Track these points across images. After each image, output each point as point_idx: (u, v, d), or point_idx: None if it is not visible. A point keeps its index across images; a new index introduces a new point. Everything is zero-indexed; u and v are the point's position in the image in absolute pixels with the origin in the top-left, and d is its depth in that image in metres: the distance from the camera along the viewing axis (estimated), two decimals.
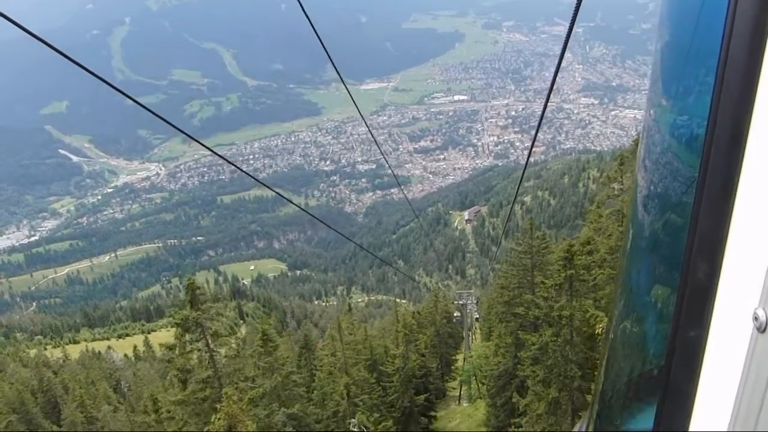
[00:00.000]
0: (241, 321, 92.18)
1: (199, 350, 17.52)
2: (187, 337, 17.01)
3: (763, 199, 0.97)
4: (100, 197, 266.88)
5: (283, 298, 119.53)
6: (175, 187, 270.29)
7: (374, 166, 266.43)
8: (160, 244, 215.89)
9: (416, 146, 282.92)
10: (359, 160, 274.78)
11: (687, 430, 1.14)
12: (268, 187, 7.78)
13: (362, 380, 29.30)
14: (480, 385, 37.85)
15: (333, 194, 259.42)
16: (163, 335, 75.67)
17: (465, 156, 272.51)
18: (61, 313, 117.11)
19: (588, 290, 19.16)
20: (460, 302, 44.90)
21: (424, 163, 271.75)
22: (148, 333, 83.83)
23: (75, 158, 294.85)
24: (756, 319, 0.96)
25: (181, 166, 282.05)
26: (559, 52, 4.07)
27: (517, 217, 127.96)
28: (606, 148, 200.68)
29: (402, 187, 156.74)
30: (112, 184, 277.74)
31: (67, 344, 79.30)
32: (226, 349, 18.28)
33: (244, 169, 7.20)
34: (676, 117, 1.39)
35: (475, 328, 54.77)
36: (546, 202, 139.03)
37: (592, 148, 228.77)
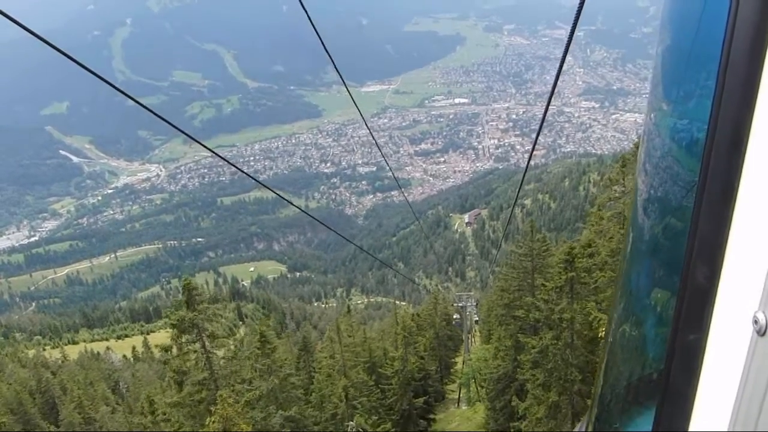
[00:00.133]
0: (241, 322, 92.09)
1: (195, 352, 17.29)
2: (184, 338, 16.80)
3: (763, 204, 0.97)
4: (100, 198, 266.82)
5: (283, 299, 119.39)
6: (175, 188, 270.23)
7: (375, 169, 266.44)
8: (160, 245, 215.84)
9: (417, 149, 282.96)
10: (360, 162, 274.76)
11: None
12: (270, 189, 7.75)
13: (361, 382, 29.17)
14: (479, 388, 37.74)
15: (333, 196, 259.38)
16: (162, 336, 75.48)
17: (465, 159, 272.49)
18: (61, 314, 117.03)
19: (589, 293, 19.05)
20: (460, 305, 44.84)
21: (424, 165, 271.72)
22: (147, 334, 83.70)
23: (75, 159, 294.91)
24: (756, 322, 0.96)
25: (182, 168, 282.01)
26: (559, 55, 4.02)
27: (518, 220, 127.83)
28: (606, 152, 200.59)
29: (402, 189, 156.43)
30: (113, 185, 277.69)
31: (66, 345, 79.21)
32: (224, 351, 18.11)
33: (245, 171, 7.15)
34: (677, 121, 1.40)
35: (475, 331, 54.70)
36: (546, 205, 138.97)
37: (593, 151, 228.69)
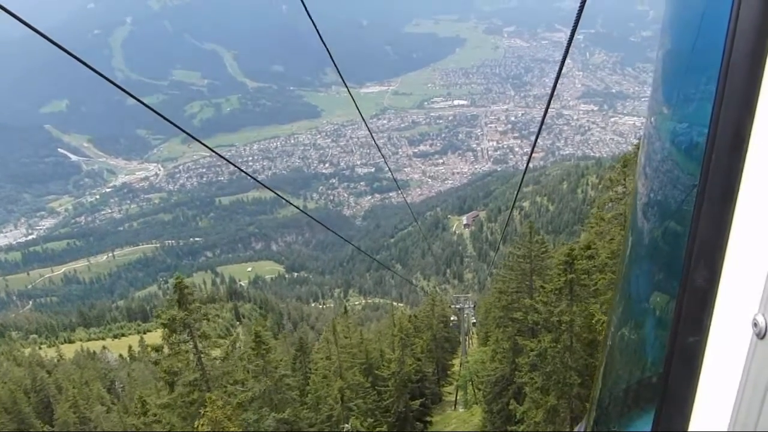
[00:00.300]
0: (238, 322, 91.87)
1: (187, 352, 16.97)
2: (175, 338, 16.53)
3: (762, 207, 0.97)
4: (98, 197, 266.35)
5: (280, 300, 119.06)
6: (173, 187, 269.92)
7: (373, 170, 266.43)
8: (158, 245, 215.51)
9: (415, 150, 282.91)
10: (358, 163, 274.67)
11: None
12: (271, 189, 7.67)
13: (357, 384, 29.02)
14: (476, 390, 37.58)
15: (331, 197, 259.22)
16: (159, 336, 75.24)
17: (464, 161, 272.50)
18: (57, 312, 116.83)
19: (588, 295, 18.88)
20: (457, 306, 44.71)
21: (423, 167, 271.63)
22: (144, 333, 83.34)
23: (74, 157, 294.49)
24: (755, 325, 0.97)
25: (180, 167, 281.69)
26: (559, 58, 3.95)
27: (516, 223, 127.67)
28: (605, 155, 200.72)
29: (401, 190, 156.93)
30: (111, 184, 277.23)
31: (62, 344, 78.91)
32: (220, 351, 17.85)
33: (246, 171, 7.04)
34: (677, 124, 1.40)
35: (472, 333, 54.57)
36: (544, 207, 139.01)
37: (591, 154, 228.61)
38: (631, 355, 1.78)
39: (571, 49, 4.02)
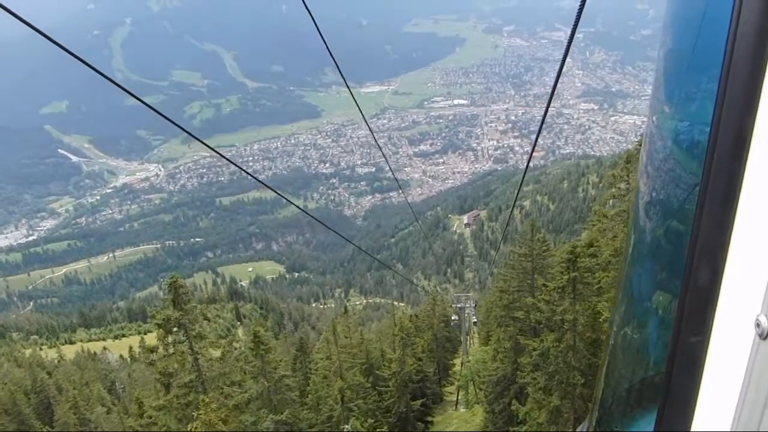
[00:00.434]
0: (238, 323, 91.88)
1: (182, 353, 16.74)
2: (170, 338, 16.33)
3: (765, 206, 0.97)
4: (98, 197, 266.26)
5: (281, 300, 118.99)
6: (174, 188, 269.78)
7: (373, 169, 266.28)
8: (159, 245, 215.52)
9: (416, 150, 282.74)
10: (359, 163, 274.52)
11: None
12: (272, 189, 7.58)
13: (357, 384, 28.89)
14: (478, 390, 37.45)
15: (332, 197, 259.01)
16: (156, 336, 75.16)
17: (464, 160, 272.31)
18: (58, 313, 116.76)
19: (592, 293, 18.62)
20: (458, 306, 44.61)
21: (423, 166, 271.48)
22: (145, 334, 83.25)
23: (74, 158, 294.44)
24: (758, 325, 0.96)
25: (181, 168, 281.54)
26: (558, 57, 3.96)
27: (516, 222, 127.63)
28: (605, 154, 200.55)
29: (402, 190, 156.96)
30: (111, 185, 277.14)
31: (62, 344, 78.96)
32: (217, 351, 17.62)
33: (248, 171, 6.97)
34: (679, 123, 1.40)
35: (473, 333, 54.46)
36: (545, 206, 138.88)
37: (592, 153, 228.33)
38: (633, 354, 1.78)
39: (571, 48, 3.96)
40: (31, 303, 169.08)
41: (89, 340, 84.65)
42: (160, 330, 16.11)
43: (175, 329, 16.01)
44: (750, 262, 1.00)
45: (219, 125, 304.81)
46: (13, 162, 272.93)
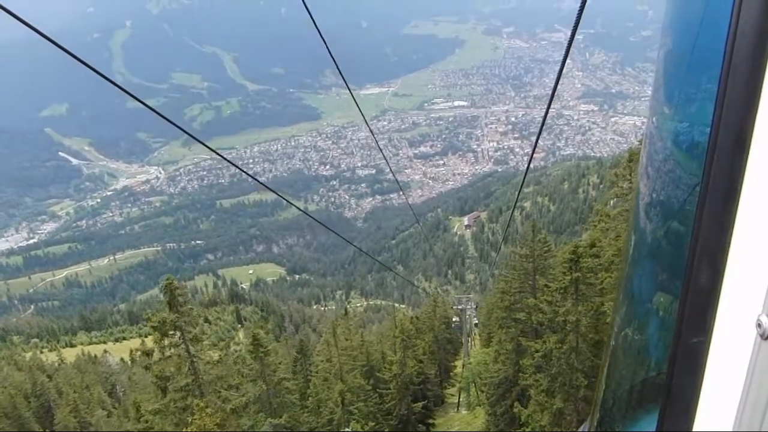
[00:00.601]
0: (239, 325, 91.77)
1: (178, 356, 16.54)
2: (166, 341, 16.14)
3: (766, 207, 0.97)
4: (99, 200, 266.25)
5: (282, 302, 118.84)
6: (174, 190, 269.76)
7: (374, 171, 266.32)
8: (159, 248, 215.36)
9: (416, 151, 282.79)
10: (359, 165, 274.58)
11: None
12: (274, 191, 7.58)
13: (358, 387, 28.73)
14: (479, 392, 37.32)
15: (332, 199, 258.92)
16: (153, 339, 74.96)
17: (465, 161, 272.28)
18: (59, 316, 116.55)
19: (594, 294, 18.42)
20: (459, 307, 44.49)
21: (423, 168, 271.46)
22: (145, 336, 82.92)
23: (74, 161, 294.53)
24: (759, 326, 0.96)
25: (181, 170, 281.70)
26: (558, 58, 3.96)
27: (517, 223, 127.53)
28: (606, 155, 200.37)
29: (403, 191, 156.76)
30: (112, 188, 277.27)
31: (63, 348, 78.82)
32: (215, 354, 17.40)
33: (249, 173, 6.93)
34: (679, 124, 1.40)
35: (475, 334, 54.33)
36: (546, 207, 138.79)
37: (592, 154, 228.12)
38: (634, 355, 1.79)
39: (570, 49, 3.95)
40: (32, 306, 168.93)
41: (90, 343, 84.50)
42: (156, 333, 15.92)
43: (171, 332, 15.83)
44: (751, 262, 1.00)
45: (219, 127, 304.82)
46: (14, 165, 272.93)
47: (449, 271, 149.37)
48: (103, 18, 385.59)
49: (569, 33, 3.66)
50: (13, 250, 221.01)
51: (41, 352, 73.34)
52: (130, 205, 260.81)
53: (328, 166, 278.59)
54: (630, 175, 19.14)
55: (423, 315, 52.78)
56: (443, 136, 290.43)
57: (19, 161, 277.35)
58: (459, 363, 50.00)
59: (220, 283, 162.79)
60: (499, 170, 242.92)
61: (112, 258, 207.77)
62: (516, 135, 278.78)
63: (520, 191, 24.09)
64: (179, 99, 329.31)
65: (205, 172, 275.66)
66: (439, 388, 44.72)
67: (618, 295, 2.10)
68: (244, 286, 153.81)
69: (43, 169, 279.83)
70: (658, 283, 1.52)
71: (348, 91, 8.17)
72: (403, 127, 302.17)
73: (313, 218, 10.05)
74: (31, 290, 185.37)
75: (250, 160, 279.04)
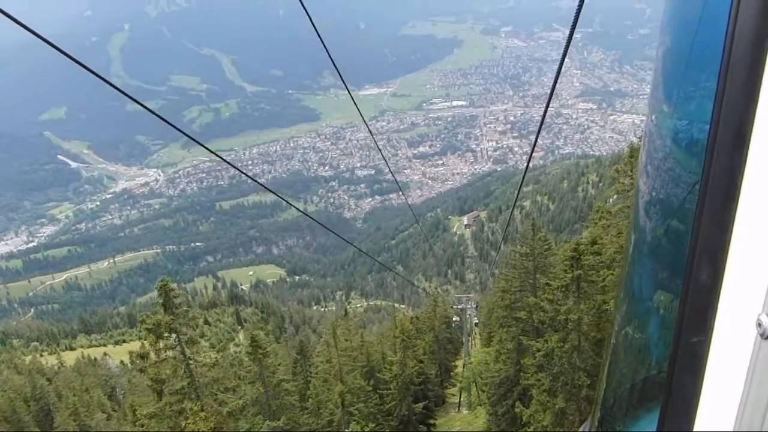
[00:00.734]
0: (239, 327, 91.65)
1: (174, 358, 16.26)
2: (161, 344, 15.93)
3: (766, 205, 0.97)
4: (98, 203, 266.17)
5: (282, 303, 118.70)
6: (173, 192, 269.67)
7: (373, 172, 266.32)
8: (159, 250, 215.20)
9: (415, 152, 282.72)
10: (358, 165, 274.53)
11: None
12: (275, 193, 7.53)
13: (358, 388, 28.56)
14: (480, 392, 37.18)
15: (332, 200, 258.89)
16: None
17: (464, 161, 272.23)
18: (59, 320, 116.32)
19: (596, 292, 18.30)
20: (459, 307, 44.37)
21: (422, 168, 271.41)
22: (145, 339, 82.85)
23: (73, 164, 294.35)
24: (759, 325, 0.96)
25: (180, 172, 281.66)
26: (556, 57, 3.97)
27: (517, 222, 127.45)
28: (605, 153, 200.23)
29: (402, 191, 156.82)
30: (111, 190, 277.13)
31: (63, 351, 78.66)
32: (212, 356, 17.16)
33: (249, 175, 6.89)
34: (678, 122, 1.40)
35: (475, 334, 54.20)
36: (545, 206, 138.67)
37: (591, 152, 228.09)
38: (635, 354, 1.78)
39: (569, 47, 3.94)
40: (32, 309, 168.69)
41: (90, 346, 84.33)
42: (151, 335, 15.74)
43: (166, 334, 15.64)
44: (751, 260, 1.00)
45: (218, 129, 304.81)
46: (13, 168, 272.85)
47: (449, 271, 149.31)
48: (102, 21, 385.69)
49: (567, 32, 3.67)
50: (12, 254, 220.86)
51: (41, 356, 73.18)
52: (129, 207, 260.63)
53: (327, 167, 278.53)
54: (631, 171, 18.98)
55: (423, 315, 52.64)
56: (442, 136, 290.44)
57: (18, 165, 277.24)
58: (460, 363, 49.87)
59: (219, 284, 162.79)
60: (498, 169, 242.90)
61: (111, 261, 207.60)
62: (515, 134, 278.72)
63: (519, 190, 23.98)
64: (178, 101, 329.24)
65: (204, 174, 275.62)
66: (439, 388, 44.59)
67: (618, 294, 2.11)
68: (244, 288, 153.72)
69: (42, 172, 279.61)
70: (658, 282, 1.53)
71: (346, 92, 8.14)
72: (401, 127, 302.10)
73: (312, 219, 9.98)
74: (30, 293, 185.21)
75: (249, 162, 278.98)
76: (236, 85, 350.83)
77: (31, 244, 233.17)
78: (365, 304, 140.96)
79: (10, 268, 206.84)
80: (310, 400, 27.31)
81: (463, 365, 43.14)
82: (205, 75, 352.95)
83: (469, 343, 46.42)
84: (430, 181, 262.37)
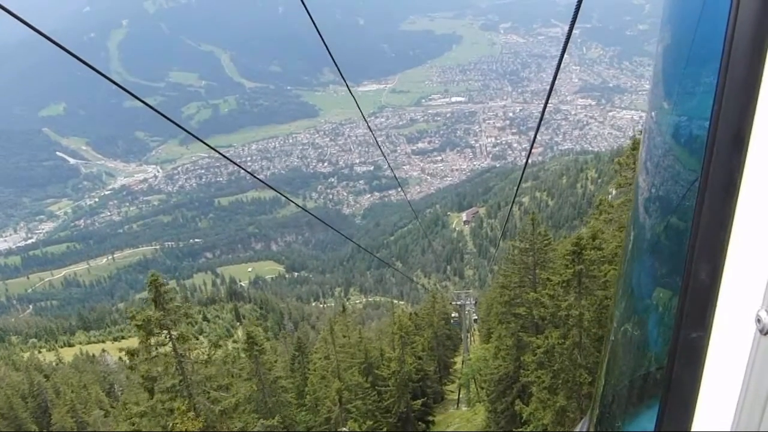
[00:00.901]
0: (238, 323, 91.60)
1: (165, 355, 15.97)
2: (152, 340, 15.67)
3: (765, 201, 0.98)
4: (97, 199, 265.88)
5: (281, 300, 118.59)
6: (172, 189, 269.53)
7: (372, 168, 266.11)
8: (158, 247, 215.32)
9: (414, 148, 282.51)
10: (357, 161, 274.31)
11: (689, 431, 1.14)
12: (274, 189, 7.35)
13: (356, 385, 28.37)
14: (479, 389, 37.05)
15: (331, 196, 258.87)
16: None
17: (463, 157, 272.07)
18: (57, 316, 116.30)
19: (598, 287, 18.03)
20: (458, 303, 44.23)
21: (421, 164, 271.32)
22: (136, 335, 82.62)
23: (72, 160, 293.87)
24: (759, 321, 0.96)
25: (179, 168, 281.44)
26: (555, 53, 4.00)
27: (516, 218, 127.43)
28: (603, 149, 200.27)
29: (402, 187, 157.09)
30: (110, 187, 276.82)
31: (61, 347, 78.50)
32: (207, 353, 16.90)
33: (249, 171, 6.77)
34: (678, 119, 1.39)
35: (474, 330, 54.09)
36: (544, 202, 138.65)
37: (590, 149, 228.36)
38: (633, 350, 1.79)
39: (568, 43, 3.96)
40: (31, 306, 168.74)
41: (88, 343, 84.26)
42: (141, 331, 15.48)
43: (157, 331, 15.39)
44: (750, 257, 1.00)
45: (217, 126, 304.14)
46: (11, 165, 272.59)
47: (448, 267, 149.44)
48: (100, 17, 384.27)
49: (566, 28, 3.64)
50: (11, 250, 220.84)
51: (39, 352, 72.95)
52: (128, 204, 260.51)
53: (326, 163, 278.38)
54: (634, 163, 18.75)
55: (422, 311, 52.56)
56: (441, 132, 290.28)
57: (16, 161, 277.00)
58: (458, 359, 49.76)
59: (218, 281, 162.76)
60: (497, 166, 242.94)
61: (110, 257, 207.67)
62: (514, 130, 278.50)
63: (518, 186, 23.75)
64: (176, 97, 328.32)
65: (203, 171, 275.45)
66: (438, 384, 44.48)
67: (617, 291, 2.11)
68: (243, 284, 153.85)
69: (40, 168, 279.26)
70: (657, 279, 1.53)
71: (345, 88, 8.10)
72: (400, 123, 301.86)
73: (311, 215, 9.82)
74: (29, 290, 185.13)
75: (248, 158, 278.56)
76: (235, 82, 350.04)
77: (29, 241, 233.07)
78: (364, 300, 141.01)
79: (8, 265, 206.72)
80: (307, 397, 27.16)
81: (462, 362, 43.00)
82: (204, 71, 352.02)
83: (468, 340, 46.31)
84: (429, 177, 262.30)
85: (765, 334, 0.95)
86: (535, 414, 19.31)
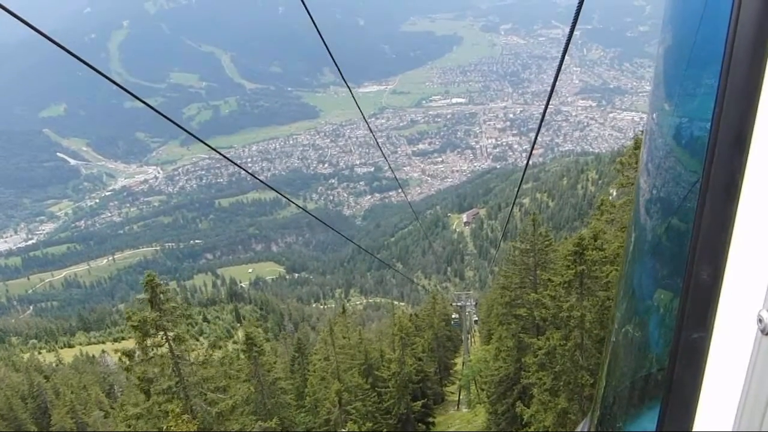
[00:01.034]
0: (238, 324, 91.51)
1: (161, 356, 15.81)
2: (148, 341, 15.54)
3: (766, 202, 0.98)
4: (97, 200, 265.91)
5: (281, 301, 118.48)
6: (173, 190, 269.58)
7: (372, 169, 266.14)
8: (158, 248, 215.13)
9: (414, 149, 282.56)
10: (357, 163, 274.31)
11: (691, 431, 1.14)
12: (275, 190, 7.33)
13: (355, 386, 28.26)
14: (480, 390, 36.94)
15: (331, 197, 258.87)
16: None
17: (463, 158, 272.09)
18: (58, 317, 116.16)
19: (600, 288, 17.78)
20: (459, 304, 44.13)
21: (422, 165, 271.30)
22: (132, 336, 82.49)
23: (73, 161, 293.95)
24: (760, 321, 0.96)
25: (179, 170, 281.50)
26: (556, 54, 4.00)
27: (516, 219, 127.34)
28: (604, 150, 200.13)
29: (402, 189, 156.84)
30: (110, 188, 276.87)
31: (61, 348, 78.40)
32: (204, 355, 16.77)
33: (250, 172, 6.76)
34: (679, 120, 1.40)
35: (475, 331, 53.98)
36: (545, 204, 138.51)
37: (591, 150, 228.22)
38: (635, 351, 1.78)
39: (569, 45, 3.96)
40: (31, 307, 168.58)
41: (88, 344, 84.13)
42: (137, 332, 15.35)
43: (153, 332, 15.27)
44: (751, 257, 1.00)
45: (217, 127, 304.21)
46: (12, 166, 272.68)
47: (448, 268, 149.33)
48: (100, 18, 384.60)
49: (567, 29, 3.67)
50: (11, 251, 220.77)
51: (39, 353, 72.90)
52: (128, 204, 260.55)
53: (326, 165, 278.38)
54: (635, 163, 18.67)
55: (422, 312, 52.47)
56: (441, 133, 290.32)
57: (17, 162, 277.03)
58: (459, 360, 49.66)
59: (219, 282, 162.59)
60: (498, 167, 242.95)
61: (110, 258, 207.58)
62: (514, 131, 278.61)
63: (519, 187, 23.72)
64: (177, 98, 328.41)
65: (203, 172, 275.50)
66: (438, 386, 44.36)
67: (618, 292, 2.12)
68: (243, 285, 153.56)
69: (41, 169, 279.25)
70: (658, 280, 1.53)
71: (346, 89, 8.10)
72: (401, 124, 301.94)
73: (312, 216, 9.78)
74: (29, 291, 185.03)
75: (249, 159, 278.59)
76: (235, 83, 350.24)
77: (30, 242, 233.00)
78: (364, 301, 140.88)
79: (9, 266, 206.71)
80: (307, 398, 27.06)
81: (463, 363, 42.89)
82: (205, 72, 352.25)
83: (469, 341, 46.20)
84: (429, 179, 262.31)
85: (766, 335, 0.96)
86: (536, 416, 19.18)
